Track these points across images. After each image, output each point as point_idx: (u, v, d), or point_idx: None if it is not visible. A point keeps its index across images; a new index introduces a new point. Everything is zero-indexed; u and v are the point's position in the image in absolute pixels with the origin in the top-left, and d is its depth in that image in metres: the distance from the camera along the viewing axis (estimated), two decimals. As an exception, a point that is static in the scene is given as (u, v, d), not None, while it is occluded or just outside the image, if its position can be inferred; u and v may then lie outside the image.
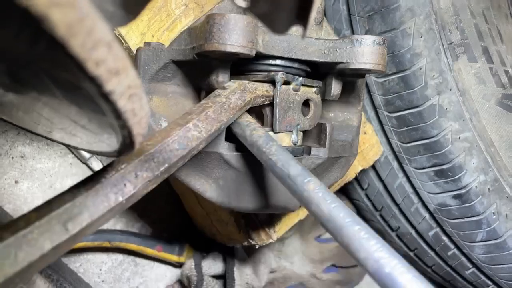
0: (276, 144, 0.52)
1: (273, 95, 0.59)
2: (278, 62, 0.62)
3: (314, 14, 0.29)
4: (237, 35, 0.53)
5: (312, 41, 0.61)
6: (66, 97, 0.31)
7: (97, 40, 0.21)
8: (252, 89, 0.58)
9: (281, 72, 0.59)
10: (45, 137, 0.55)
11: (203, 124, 0.47)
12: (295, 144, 0.63)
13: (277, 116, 0.59)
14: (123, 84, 0.25)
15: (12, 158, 0.98)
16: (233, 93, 0.54)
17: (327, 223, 0.40)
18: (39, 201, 1.00)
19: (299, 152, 0.63)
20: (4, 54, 0.29)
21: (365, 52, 0.60)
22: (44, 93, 0.34)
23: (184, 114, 0.47)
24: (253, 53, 0.55)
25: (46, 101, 0.35)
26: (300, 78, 0.61)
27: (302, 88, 0.62)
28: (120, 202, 0.33)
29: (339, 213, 0.39)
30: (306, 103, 0.64)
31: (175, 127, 0.43)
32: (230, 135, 0.59)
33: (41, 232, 0.28)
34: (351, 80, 0.70)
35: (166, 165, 0.38)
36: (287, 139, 0.62)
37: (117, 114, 0.28)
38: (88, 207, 0.30)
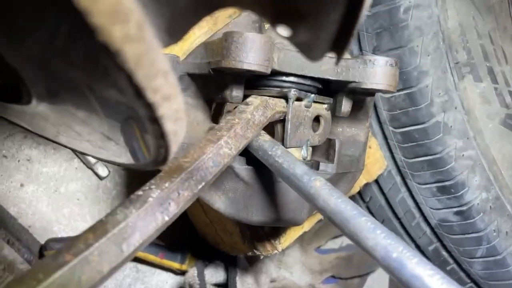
0: (281, 148, 0.54)
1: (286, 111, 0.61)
2: (291, 79, 0.63)
3: (349, 45, 0.31)
4: (254, 53, 0.54)
5: (326, 59, 0.62)
6: (108, 116, 0.32)
7: (157, 71, 0.23)
8: (273, 105, 0.59)
9: (294, 89, 0.61)
10: (70, 149, 0.55)
11: (233, 141, 0.48)
12: (304, 159, 0.64)
13: (289, 132, 0.60)
14: (172, 108, 0.26)
15: (19, 161, 0.98)
16: (257, 110, 0.56)
17: (334, 216, 0.42)
18: (43, 204, 1.00)
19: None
20: (54, 68, 0.30)
21: (377, 73, 0.61)
22: (82, 108, 0.35)
23: (213, 130, 0.49)
24: (269, 71, 0.56)
25: (83, 117, 0.36)
26: (312, 95, 0.63)
27: (313, 105, 0.64)
28: (166, 221, 0.34)
29: (346, 206, 0.41)
30: (316, 119, 0.66)
31: (207, 143, 0.44)
32: None
33: (100, 254, 0.29)
34: (361, 97, 0.71)
35: (203, 183, 0.40)
36: (297, 154, 0.63)
37: (161, 135, 0.29)
38: (140, 228, 0.31)
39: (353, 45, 0.99)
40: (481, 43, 0.90)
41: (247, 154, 0.62)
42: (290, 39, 0.29)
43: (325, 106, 0.66)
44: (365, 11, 0.28)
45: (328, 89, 0.68)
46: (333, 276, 1.20)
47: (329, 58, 0.62)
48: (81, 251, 0.28)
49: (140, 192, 0.35)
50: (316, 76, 0.62)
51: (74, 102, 0.35)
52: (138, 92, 0.23)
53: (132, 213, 0.32)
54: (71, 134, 0.53)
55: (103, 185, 1.07)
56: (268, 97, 0.60)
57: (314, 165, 0.67)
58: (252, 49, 0.54)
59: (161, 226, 0.34)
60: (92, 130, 0.40)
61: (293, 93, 0.60)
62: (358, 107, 0.74)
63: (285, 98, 0.61)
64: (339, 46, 0.31)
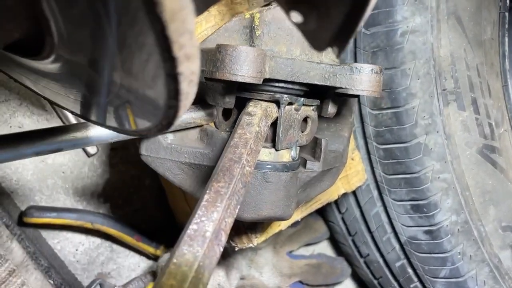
0: None
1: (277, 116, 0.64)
2: (282, 84, 0.66)
3: (351, 41, 0.34)
4: (248, 66, 0.56)
5: (314, 65, 0.66)
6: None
7: (186, 29, 0.26)
8: (270, 113, 0.63)
9: (286, 95, 0.64)
10: (68, 110, 0.58)
11: (250, 157, 0.51)
12: (294, 160, 0.68)
13: (280, 135, 0.63)
14: (190, 69, 0.29)
15: (11, 127, 1.00)
16: (261, 121, 0.59)
17: None
18: (29, 173, 1.02)
19: (296, 166, 0.68)
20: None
21: (363, 80, 0.65)
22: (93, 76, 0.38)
23: (231, 147, 0.51)
24: (261, 81, 0.59)
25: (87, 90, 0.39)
26: (302, 99, 0.66)
27: (302, 108, 0.67)
28: (220, 253, 0.37)
29: None
30: (304, 119, 0.69)
31: (232, 164, 0.47)
32: None
33: None
34: (346, 98, 0.76)
35: (238, 206, 0.43)
36: (287, 155, 0.66)
37: (175, 95, 0.32)
38: (208, 266, 0.35)
39: (348, 61, 1.03)
40: (469, 75, 0.95)
41: None
42: (300, 25, 0.33)
43: (313, 107, 0.69)
44: (369, 11, 0.32)
45: (315, 91, 0.71)
46: (300, 282, 1.23)
47: (317, 64, 0.65)
48: None
49: (194, 227, 0.38)
50: (305, 82, 0.65)
51: (91, 62, 0.37)
52: (167, 45, 0.26)
53: (199, 252, 0.35)
54: (70, 100, 0.55)
55: (89, 162, 1.08)
56: (265, 105, 0.63)
57: (302, 163, 0.70)
58: (245, 62, 0.56)
59: (218, 257, 0.36)
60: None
61: (285, 99, 0.63)
62: (343, 104, 0.77)
63: (277, 102, 0.64)
64: (341, 40, 0.34)
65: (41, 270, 0.96)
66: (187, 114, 0.69)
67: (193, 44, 0.28)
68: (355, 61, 1.01)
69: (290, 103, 0.64)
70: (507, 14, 1.09)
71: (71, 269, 1.04)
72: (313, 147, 0.71)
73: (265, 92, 0.66)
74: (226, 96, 0.65)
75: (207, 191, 0.43)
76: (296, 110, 0.65)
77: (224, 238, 0.38)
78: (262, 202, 0.66)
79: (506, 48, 1.09)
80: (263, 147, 0.66)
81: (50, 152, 0.59)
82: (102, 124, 0.57)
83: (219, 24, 0.82)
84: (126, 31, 0.29)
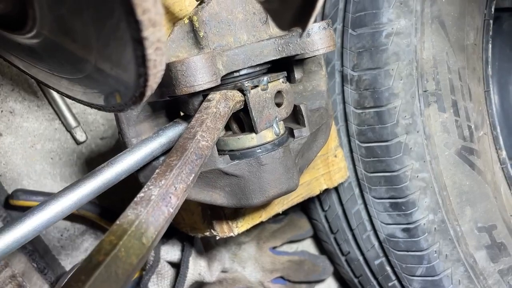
0: None
1: (245, 102, 0.65)
2: (241, 72, 0.68)
3: (313, 19, 0.37)
4: (201, 74, 0.58)
5: (265, 43, 0.68)
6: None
7: (149, -7, 0.28)
8: (232, 96, 0.64)
9: (246, 81, 0.65)
10: (49, 86, 0.60)
11: (207, 134, 0.54)
12: (278, 135, 0.70)
13: (255, 119, 0.66)
14: (155, 35, 0.32)
15: (1, 111, 1.02)
16: (220, 102, 0.61)
17: None
18: (18, 157, 1.04)
19: (284, 140, 0.70)
20: None
21: (315, 41, 0.68)
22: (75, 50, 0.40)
23: (188, 128, 0.54)
24: (219, 81, 0.61)
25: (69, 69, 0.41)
26: (265, 78, 0.67)
27: (270, 84, 0.68)
28: (172, 213, 0.41)
29: None
30: (277, 93, 0.70)
31: (186, 141, 0.51)
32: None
33: (126, 249, 0.35)
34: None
35: (193, 175, 0.46)
36: (269, 134, 0.68)
37: (142, 61, 0.34)
38: (152, 222, 0.38)
39: (335, 61, 1.06)
40: (450, 78, 0.98)
41: (230, 152, 0.68)
42: (264, 3, 0.35)
43: (281, 79, 0.70)
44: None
45: (278, 63, 0.73)
46: (282, 277, 1.25)
47: (267, 41, 0.67)
48: (110, 251, 0.34)
49: (142, 194, 0.42)
50: (262, 62, 0.67)
51: (71, 36, 0.40)
52: (130, 7, 0.28)
53: (141, 212, 0.38)
54: (55, 79, 0.58)
55: (78, 150, 1.10)
56: (226, 90, 0.65)
57: (290, 133, 0.73)
58: (197, 71, 0.58)
59: (169, 217, 0.40)
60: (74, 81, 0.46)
61: (246, 85, 0.64)
62: (310, 62, 0.79)
63: (241, 90, 0.66)
64: (303, 19, 0.37)
65: (25, 253, 0.98)
66: (172, 134, 0.70)
67: (158, 11, 0.30)
68: (341, 60, 1.04)
69: (255, 86, 0.66)
70: (491, 21, 1.13)
71: (55, 254, 1.05)
72: (295, 115, 0.73)
73: (227, 85, 0.68)
74: (194, 102, 0.68)
75: (159, 166, 0.47)
76: (264, 90, 0.66)
77: (174, 200, 0.41)
78: (266, 184, 0.69)
79: (490, 54, 1.12)
80: (244, 134, 0.69)
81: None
82: (85, 102, 0.59)
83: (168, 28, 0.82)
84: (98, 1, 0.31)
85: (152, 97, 0.66)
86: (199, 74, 0.58)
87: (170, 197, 0.42)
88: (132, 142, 0.70)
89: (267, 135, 0.68)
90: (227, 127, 0.74)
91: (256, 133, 0.67)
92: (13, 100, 1.03)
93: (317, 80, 0.79)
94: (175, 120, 0.71)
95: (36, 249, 1.01)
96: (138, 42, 0.32)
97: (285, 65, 0.75)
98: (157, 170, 0.46)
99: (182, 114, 0.76)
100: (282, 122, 0.71)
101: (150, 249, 0.38)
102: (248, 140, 0.67)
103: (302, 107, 0.72)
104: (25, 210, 1.04)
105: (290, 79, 0.74)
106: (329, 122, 0.81)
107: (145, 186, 0.42)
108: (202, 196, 0.72)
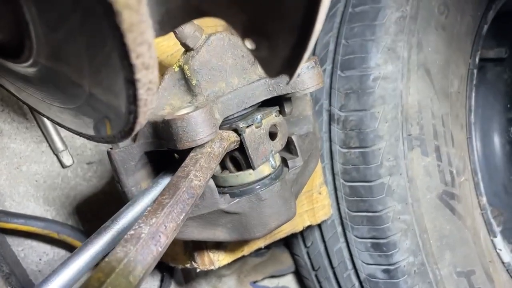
0: None
1: (241, 141, 0.67)
2: (235, 114, 0.69)
3: (299, 70, 0.39)
4: (202, 128, 0.58)
5: (256, 85, 0.69)
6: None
7: (144, 40, 0.30)
8: (226, 137, 0.66)
9: (241, 122, 0.66)
10: (39, 113, 0.61)
11: (200, 173, 0.55)
12: (274, 168, 0.71)
13: (252, 156, 0.67)
14: (147, 77, 0.33)
15: (-10, 131, 1.02)
16: (214, 143, 0.62)
17: None
18: (1, 178, 1.03)
19: (280, 172, 0.72)
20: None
21: (304, 80, 0.70)
22: (68, 83, 0.42)
23: (181, 167, 0.55)
24: (217, 130, 0.62)
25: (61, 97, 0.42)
26: (259, 116, 0.68)
27: (263, 121, 0.69)
28: (160, 251, 0.42)
29: None
30: (271, 127, 0.72)
31: (179, 180, 0.52)
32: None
33: (114, 287, 0.35)
34: None
35: (184, 214, 0.47)
36: (266, 168, 0.69)
37: (134, 100, 0.35)
38: (140, 261, 0.39)
39: (323, 100, 1.08)
40: (434, 123, 1.01)
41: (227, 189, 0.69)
42: (253, 51, 0.37)
43: (274, 113, 0.71)
44: (311, 46, 0.36)
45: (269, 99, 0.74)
46: (261, 313, 1.23)
47: (258, 82, 0.69)
48: None
49: (132, 232, 0.42)
50: (254, 103, 0.69)
51: (67, 68, 0.41)
52: (125, 52, 0.30)
53: (131, 250, 0.39)
54: (46, 106, 0.59)
55: (64, 174, 1.10)
56: (221, 131, 0.66)
57: (284, 163, 0.74)
58: (197, 126, 0.58)
59: (157, 256, 0.41)
60: (64, 109, 0.47)
61: (241, 126, 0.66)
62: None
63: (235, 130, 0.67)
64: (290, 69, 0.39)
65: (1, 276, 0.96)
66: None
67: (151, 55, 0.32)
68: (330, 100, 1.06)
69: (249, 125, 0.67)
70: (475, 71, 1.17)
71: (32, 279, 1.04)
72: (287, 145, 0.74)
73: (222, 126, 0.68)
74: None
75: (151, 204, 0.47)
76: (258, 127, 0.68)
77: (163, 239, 0.42)
78: (267, 218, 0.70)
79: (473, 102, 1.15)
80: (241, 171, 0.70)
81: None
82: (74, 131, 0.60)
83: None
84: (93, 39, 0.33)
85: (150, 146, 0.67)
86: (199, 129, 0.58)
87: (160, 236, 0.42)
88: (132, 191, 0.70)
89: (264, 169, 0.69)
90: (224, 167, 0.74)
91: (253, 169, 0.68)
92: (2, 121, 1.04)
93: (303, 106, 0.80)
94: (172, 166, 0.71)
95: (13, 272, 0.99)
96: (131, 83, 0.33)
97: (275, 99, 0.76)
98: (148, 208, 0.47)
99: (176, 156, 0.76)
100: (277, 155, 0.73)
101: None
102: (246, 176, 0.69)
103: (294, 138, 0.74)
104: (5, 233, 1.03)
105: (280, 112, 0.75)
106: (318, 145, 0.83)
107: (136, 224, 0.43)
108: (205, 235, 0.73)
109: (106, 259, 0.39)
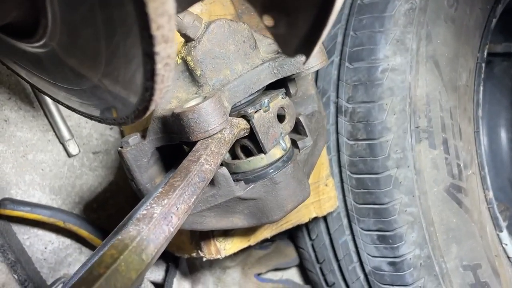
0: None
1: (251, 127, 0.66)
2: (242, 101, 0.69)
3: (317, 49, 0.38)
4: (213, 118, 0.58)
5: (260, 69, 0.69)
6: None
7: (165, 10, 0.29)
8: (236, 123, 0.66)
9: (249, 108, 0.66)
10: (47, 95, 0.61)
11: (211, 158, 0.55)
12: (285, 150, 0.71)
13: (262, 141, 0.67)
14: (166, 51, 0.33)
15: (-3, 119, 1.02)
16: (225, 129, 0.62)
17: None
18: (8, 166, 1.03)
19: (291, 154, 0.72)
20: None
21: (309, 59, 0.69)
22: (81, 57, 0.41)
23: (192, 151, 0.56)
24: (228, 117, 0.62)
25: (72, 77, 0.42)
26: (266, 100, 0.68)
27: (271, 104, 0.69)
28: (172, 232, 0.42)
29: None
30: (279, 109, 0.71)
31: (190, 164, 0.52)
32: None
33: (126, 264, 0.36)
34: None
35: (195, 197, 0.48)
36: (278, 151, 0.69)
37: (151, 75, 0.35)
38: (152, 240, 0.39)
39: (331, 92, 1.08)
40: (442, 116, 1.01)
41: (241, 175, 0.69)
42: (271, 28, 0.37)
43: (280, 96, 0.71)
44: (331, 22, 0.36)
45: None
46: (265, 305, 1.23)
47: (261, 66, 0.69)
48: (111, 264, 0.35)
49: (144, 211, 0.43)
50: (260, 87, 0.69)
51: (80, 46, 0.41)
52: (145, 22, 0.29)
53: (143, 229, 0.39)
54: (56, 89, 0.58)
55: (69, 163, 1.10)
56: (231, 118, 0.66)
57: (295, 146, 0.74)
58: (209, 116, 0.58)
59: (169, 236, 0.41)
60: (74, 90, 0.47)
61: (249, 112, 0.66)
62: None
63: (244, 117, 0.67)
64: (307, 48, 0.38)
65: (7, 264, 0.96)
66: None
67: (171, 28, 0.31)
68: (337, 92, 1.06)
69: (257, 110, 0.67)
70: (483, 65, 1.16)
71: (37, 267, 1.04)
72: (296, 126, 0.74)
73: (231, 113, 0.68)
74: None
75: (162, 186, 0.47)
76: (266, 111, 0.68)
77: (175, 220, 0.42)
78: (283, 200, 0.71)
79: (481, 96, 1.15)
80: (254, 156, 0.70)
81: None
82: (85, 114, 0.60)
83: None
84: (113, 13, 0.32)
85: (160, 141, 0.67)
86: (211, 119, 0.58)
87: (172, 217, 0.42)
88: (147, 188, 0.70)
89: (276, 152, 0.69)
90: (235, 156, 0.74)
91: (265, 154, 0.68)
92: (8, 109, 1.03)
93: (305, 85, 0.80)
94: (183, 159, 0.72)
95: (18, 260, 0.99)
96: (149, 56, 0.33)
97: (279, 81, 0.76)
98: (160, 189, 0.47)
99: (187, 149, 0.76)
100: (287, 137, 0.72)
101: (149, 266, 0.39)
102: (258, 161, 0.69)
103: (301, 118, 0.74)
104: (11, 220, 1.03)
105: (286, 93, 0.75)
106: (324, 124, 0.84)
107: (148, 204, 0.43)
108: (224, 224, 0.74)
109: (119, 236, 0.39)
